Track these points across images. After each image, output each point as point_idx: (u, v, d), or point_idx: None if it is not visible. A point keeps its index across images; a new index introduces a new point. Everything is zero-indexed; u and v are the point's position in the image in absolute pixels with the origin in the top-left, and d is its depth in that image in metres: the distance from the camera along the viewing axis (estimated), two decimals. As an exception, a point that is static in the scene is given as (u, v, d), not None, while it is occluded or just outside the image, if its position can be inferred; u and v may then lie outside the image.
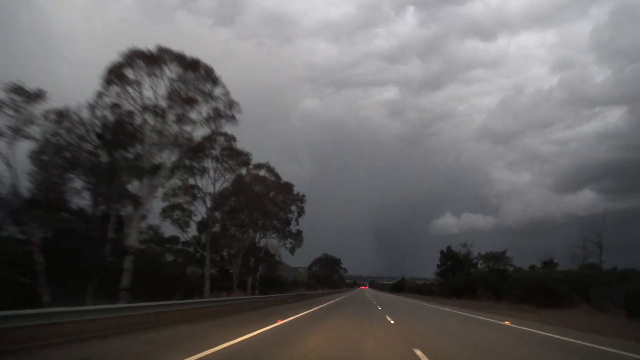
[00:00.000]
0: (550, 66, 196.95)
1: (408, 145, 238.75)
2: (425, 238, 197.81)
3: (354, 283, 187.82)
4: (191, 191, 32.39)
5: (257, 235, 43.71)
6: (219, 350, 8.87)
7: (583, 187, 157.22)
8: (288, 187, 43.01)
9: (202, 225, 41.75)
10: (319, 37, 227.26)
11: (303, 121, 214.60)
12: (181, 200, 32.60)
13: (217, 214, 39.07)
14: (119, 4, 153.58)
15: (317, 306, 28.17)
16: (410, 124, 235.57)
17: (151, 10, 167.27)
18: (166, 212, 31.97)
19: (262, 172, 36.75)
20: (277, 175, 37.99)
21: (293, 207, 43.80)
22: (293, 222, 44.35)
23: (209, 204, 33.65)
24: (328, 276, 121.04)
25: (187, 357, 7.85)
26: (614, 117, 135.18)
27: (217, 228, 40.55)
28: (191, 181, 33.02)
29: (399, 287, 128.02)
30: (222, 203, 36.18)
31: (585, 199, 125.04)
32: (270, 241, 47.39)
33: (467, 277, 56.19)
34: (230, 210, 37.92)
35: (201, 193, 33.29)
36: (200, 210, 33.83)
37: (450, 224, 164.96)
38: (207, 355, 8.21)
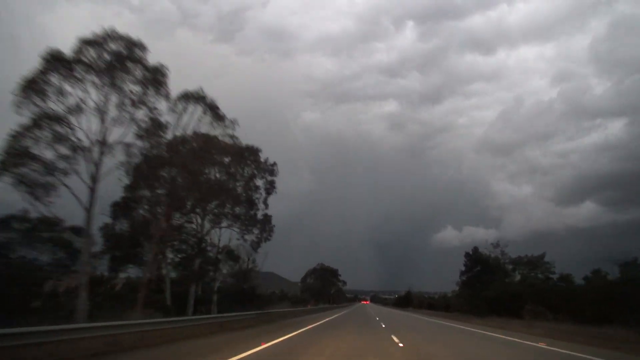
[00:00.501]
0: (549, 79, 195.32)
1: (408, 158, 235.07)
2: (426, 252, 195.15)
3: (355, 297, 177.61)
4: (52, 129, 18.01)
5: (206, 224, 29.21)
6: None
7: (584, 199, 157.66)
8: (251, 151, 28.67)
9: (118, 206, 27.76)
10: (319, 51, 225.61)
11: (303, 135, 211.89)
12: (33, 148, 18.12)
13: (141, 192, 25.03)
14: (119, 20, 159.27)
15: (263, 344, 13.60)
16: (411, 137, 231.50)
17: (152, 26, 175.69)
18: (4, 165, 17.50)
19: (192, 108, 21.90)
20: (221, 117, 22.89)
21: (259, 182, 29.42)
22: (260, 205, 29.89)
23: (96, 158, 19.27)
24: (324, 289, 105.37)
25: None
26: (615, 128, 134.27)
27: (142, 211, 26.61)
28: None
29: (405, 301, 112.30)
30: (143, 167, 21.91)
31: (587, 211, 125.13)
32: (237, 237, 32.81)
33: (503, 287, 41.42)
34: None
35: (79, 137, 18.95)
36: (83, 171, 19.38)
37: (451, 237, 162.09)
38: None
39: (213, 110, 21.47)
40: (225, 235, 32.07)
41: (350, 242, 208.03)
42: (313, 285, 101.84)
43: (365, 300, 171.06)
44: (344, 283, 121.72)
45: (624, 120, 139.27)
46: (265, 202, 29.79)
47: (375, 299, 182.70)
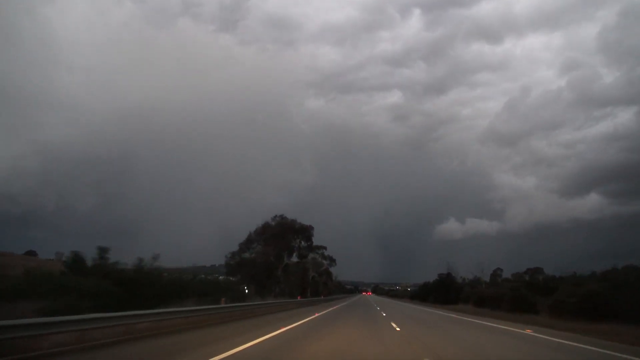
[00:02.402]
0: (557, 69, 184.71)
1: (412, 150, 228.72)
2: (428, 244, 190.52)
3: (355, 289, 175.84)
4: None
5: None
6: None
7: (589, 190, 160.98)
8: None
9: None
10: (323, 41, 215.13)
11: (306, 126, 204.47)
12: None
13: None
14: (120, 10, 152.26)
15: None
16: (414, 129, 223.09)
17: (153, 16, 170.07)
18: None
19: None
20: None
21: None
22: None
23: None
24: (284, 267, 51.80)
25: None
26: (624, 117, 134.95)
27: None
28: None
29: (444, 293, 58.93)
30: None
31: (592, 203, 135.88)
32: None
33: None
34: None
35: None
36: None
37: (454, 229, 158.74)
38: None
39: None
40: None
41: (351, 234, 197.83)
42: (258, 257, 48.75)
43: (367, 292, 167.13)
44: (332, 260, 67.51)
45: (634, 109, 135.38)
46: None
47: (378, 290, 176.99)
